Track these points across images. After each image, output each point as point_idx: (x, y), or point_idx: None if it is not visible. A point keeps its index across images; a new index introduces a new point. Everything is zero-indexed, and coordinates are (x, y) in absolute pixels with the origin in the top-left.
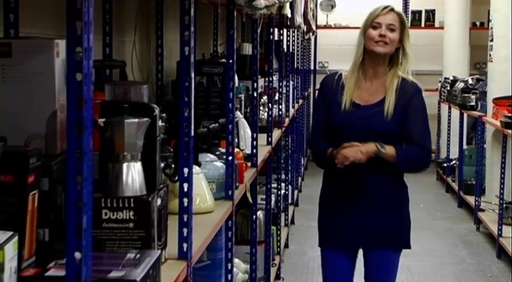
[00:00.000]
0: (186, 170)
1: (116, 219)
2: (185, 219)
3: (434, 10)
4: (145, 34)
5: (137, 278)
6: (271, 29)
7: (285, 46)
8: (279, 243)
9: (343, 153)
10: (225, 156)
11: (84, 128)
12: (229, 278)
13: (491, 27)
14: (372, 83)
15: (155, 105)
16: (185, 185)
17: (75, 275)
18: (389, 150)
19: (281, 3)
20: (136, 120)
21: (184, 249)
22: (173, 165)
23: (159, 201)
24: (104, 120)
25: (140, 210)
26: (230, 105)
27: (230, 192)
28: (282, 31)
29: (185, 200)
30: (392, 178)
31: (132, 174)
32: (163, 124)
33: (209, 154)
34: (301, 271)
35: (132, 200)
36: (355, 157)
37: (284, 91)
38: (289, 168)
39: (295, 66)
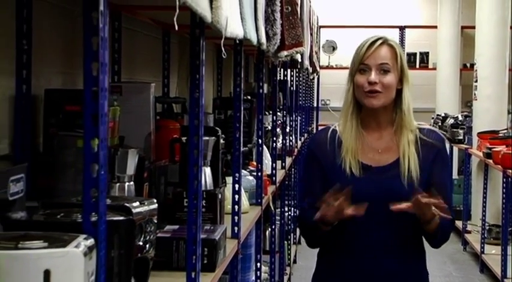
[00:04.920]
0: (237, 175)
1: None
2: (236, 209)
3: (428, 52)
4: (185, 76)
5: (216, 238)
6: (285, 72)
7: (292, 85)
8: (289, 256)
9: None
10: (254, 172)
11: (199, 137)
12: (259, 266)
13: (476, 70)
14: (381, 137)
15: (218, 128)
16: (236, 185)
17: (194, 223)
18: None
19: (298, 53)
20: (208, 138)
21: (236, 231)
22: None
23: (220, 195)
24: (185, 138)
25: (210, 200)
26: (260, 132)
27: (259, 200)
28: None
29: (236, 196)
30: (415, 262)
31: (204, 175)
32: (223, 142)
33: (243, 170)
34: None
35: (204, 192)
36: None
37: (293, 125)
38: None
39: (300, 103)
